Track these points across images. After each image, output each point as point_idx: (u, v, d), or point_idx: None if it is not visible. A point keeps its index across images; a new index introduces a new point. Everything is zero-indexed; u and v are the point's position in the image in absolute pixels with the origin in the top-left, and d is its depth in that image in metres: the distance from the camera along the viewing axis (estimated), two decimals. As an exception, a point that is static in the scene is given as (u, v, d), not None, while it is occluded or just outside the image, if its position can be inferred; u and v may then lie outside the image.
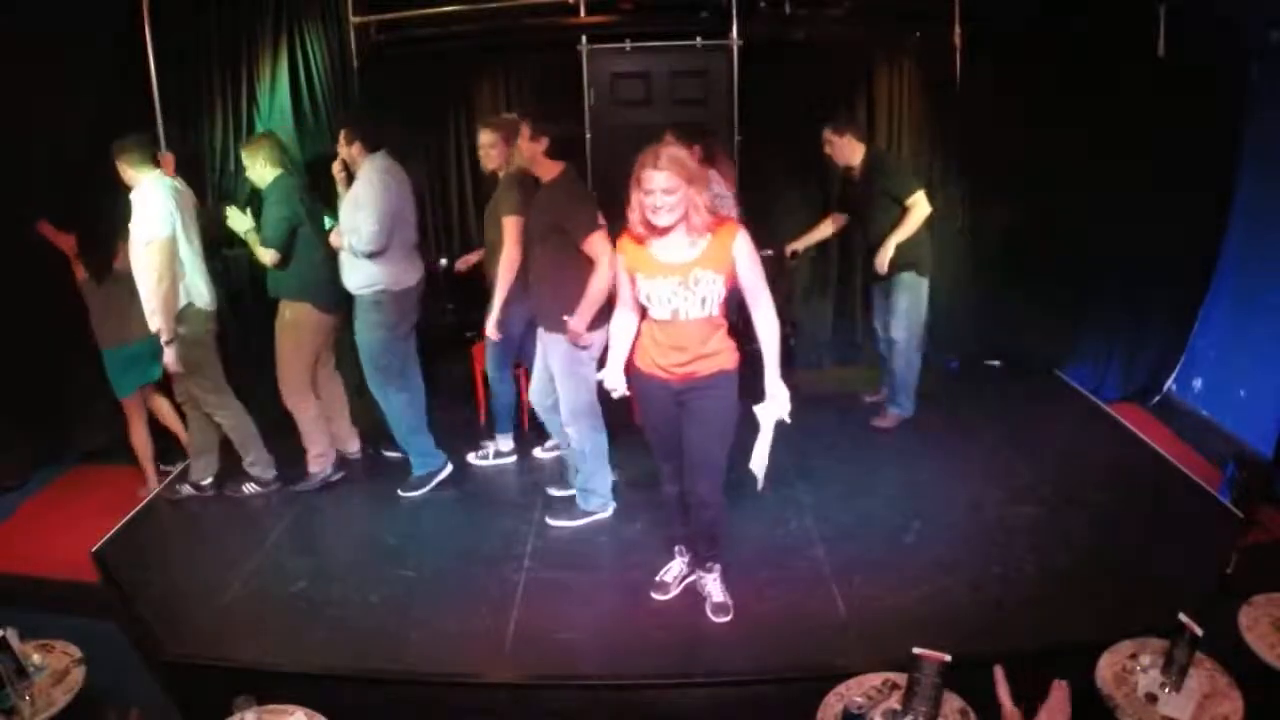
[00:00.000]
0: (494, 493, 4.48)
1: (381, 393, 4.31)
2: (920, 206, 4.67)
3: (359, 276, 4.13)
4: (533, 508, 4.27)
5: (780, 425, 3.07)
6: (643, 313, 3.18)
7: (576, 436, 3.98)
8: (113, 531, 4.17)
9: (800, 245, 5.25)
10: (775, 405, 3.04)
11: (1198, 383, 5.14)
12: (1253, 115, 4.68)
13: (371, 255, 4.06)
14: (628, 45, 5.43)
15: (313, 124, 5.21)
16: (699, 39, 5.42)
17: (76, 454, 4.81)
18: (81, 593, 3.70)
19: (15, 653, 2.59)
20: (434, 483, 4.46)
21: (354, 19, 5.33)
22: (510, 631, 3.36)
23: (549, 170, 3.82)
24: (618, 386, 3.22)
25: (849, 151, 4.83)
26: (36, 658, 2.72)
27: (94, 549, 4.00)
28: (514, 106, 5.67)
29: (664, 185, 2.87)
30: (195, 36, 4.77)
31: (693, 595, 3.54)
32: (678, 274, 2.99)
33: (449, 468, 4.51)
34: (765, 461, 3.11)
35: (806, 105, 5.63)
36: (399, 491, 4.42)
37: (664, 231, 2.97)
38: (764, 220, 5.75)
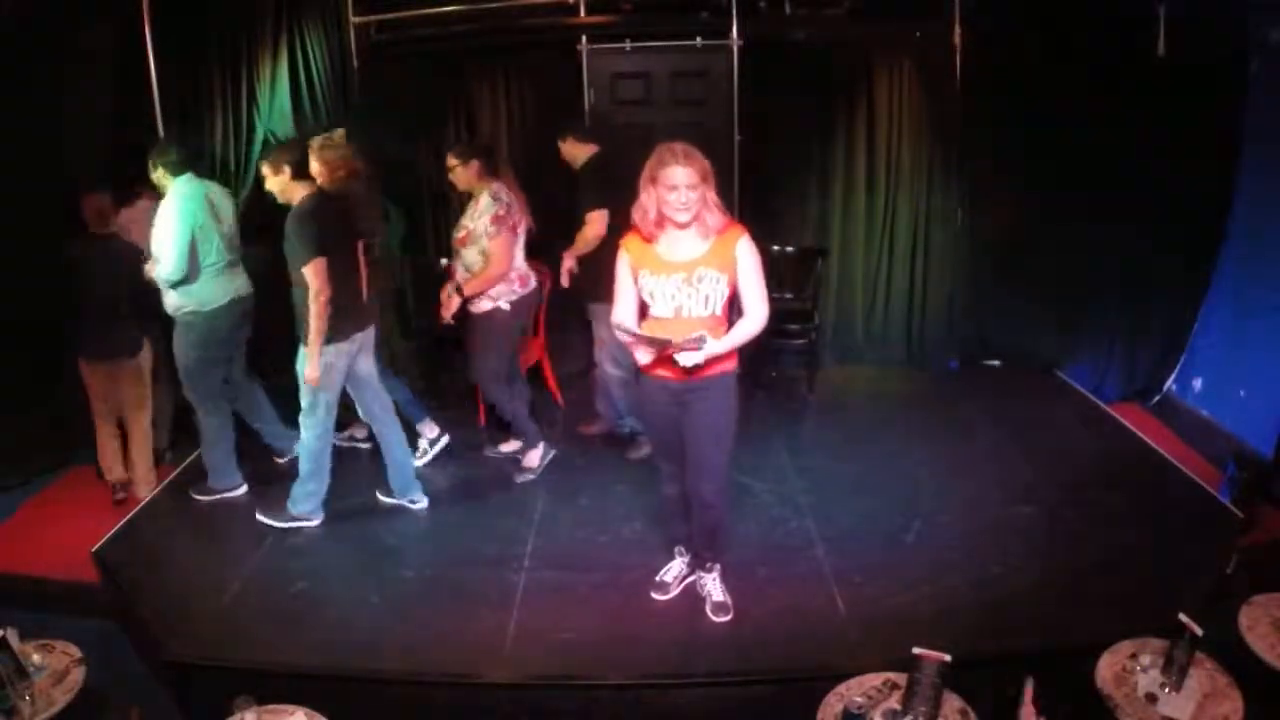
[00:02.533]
0: (494, 493, 4.47)
1: (199, 410, 4.32)
2: (592, 225, 4.42)
3: (170, 299, 4.14)
4: (533, 508, 4.27)
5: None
6: (642, 313, 3.18)
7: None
8: (113, 531, 4.17)
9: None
10: (691, 352, 2.95)
11: (1198, 383, 5.14)
12: (1252, 114, 4.68)
13: (175, 283, 4.04)
14: (628, 45, 5.43)
15: (313, 124, 5.21)
16: (699, 39, 5.42)
17: (76, 454, 4.80)
18: (81, 593, 3.70)
19: (15, 653, 2.59)
20: (222, 495, 4.40)
21: (354, 19, 5.33)
22: (510, 631, 3.36)
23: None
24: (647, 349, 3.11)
25: (573, 153, 4.64)
26: (36, 658, 2.72)
27: (94, 549, 4.00)
28: (514, 107, 5.68)
29: (688, 181, 2.92)
30: (195, 36, 4.77)
31: (693, 595, 3.54)
32: (682, 271, 3.02)
33: (243, 488, 4.45)
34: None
35: (806, 105, 5.65)
36: (191, 493, 4.43)
37: (682, 227, 3.00)
38: (764, 220, 5.77)
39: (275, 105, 5.04)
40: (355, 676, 3.13)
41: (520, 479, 4.54)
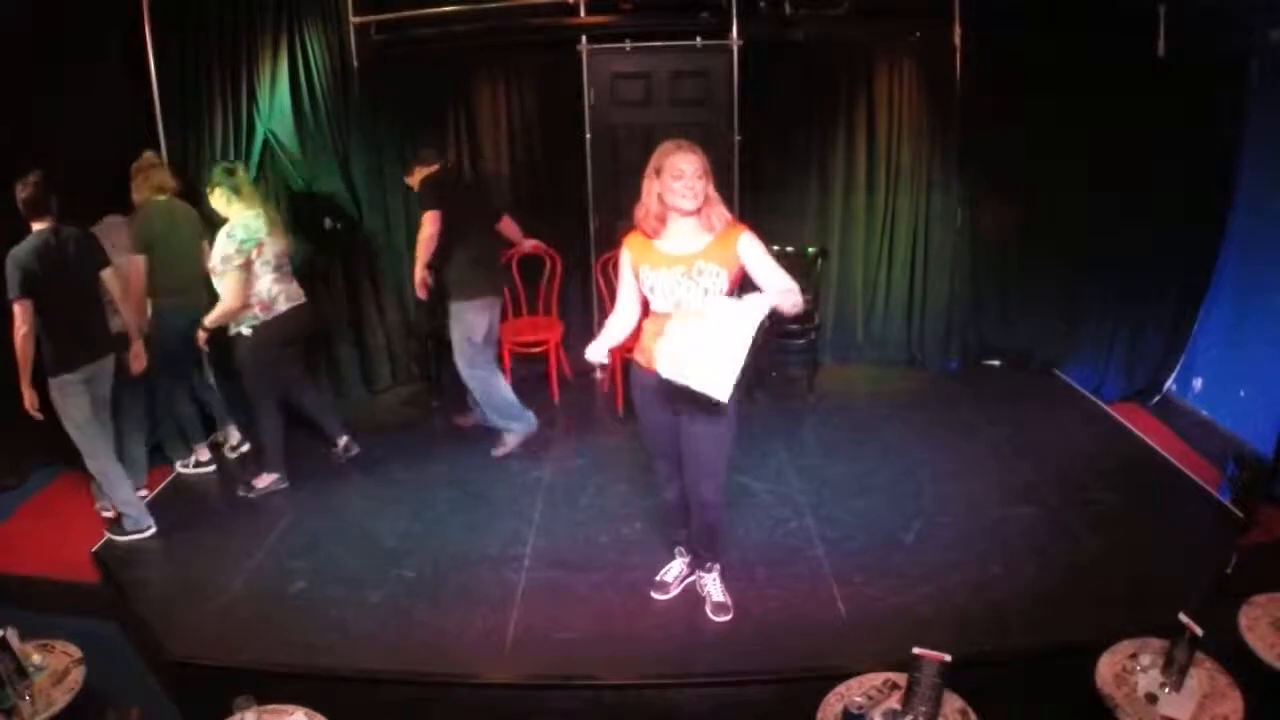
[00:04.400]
0: (494, 493, 4.47)
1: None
2: (424, 226, 4.52)
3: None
4: (533, 508, 4.28)
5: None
6: (644, 311, 3.19)
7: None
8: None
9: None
10: (744, 310, 2.85)
11: (1198, 383, 5.13)
12: (1253, 115, 4.68)
13: None
14: (628, 45, 5.43)
15: (313, 124, 5.21)
16: (699, 39, 5.42)
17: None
18: (81, 593, 3.71)
19: (15, 653, 2.60)
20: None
21: (354, 19, 5.33)
22: (510, 631, 3.36)
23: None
24: (597, 358, 3.20)
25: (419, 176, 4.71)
26: (36, 658, 2.72)
27: (94, 549, 4.00)
28: (514, 107, 5.69)
29: (693, 169, 2.99)
30: (195, 36, 4.77)
31: (693, 595, 3.54)
32: (682, 265, 3.04)
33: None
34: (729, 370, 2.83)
35: (806, 105, 5.65)
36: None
37: (687, 215, 3.04)
38: (764, 220, 5.77)
39: (275, 105, 5.04)
40: (355, 676, 3.13)
41: (243, 493, 4.48)
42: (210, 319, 4.18)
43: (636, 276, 3.13)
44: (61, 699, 2.63)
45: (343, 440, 4.83)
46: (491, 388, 4.73)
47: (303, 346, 4.69)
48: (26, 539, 4.18)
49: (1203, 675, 2.46)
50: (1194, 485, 4.25)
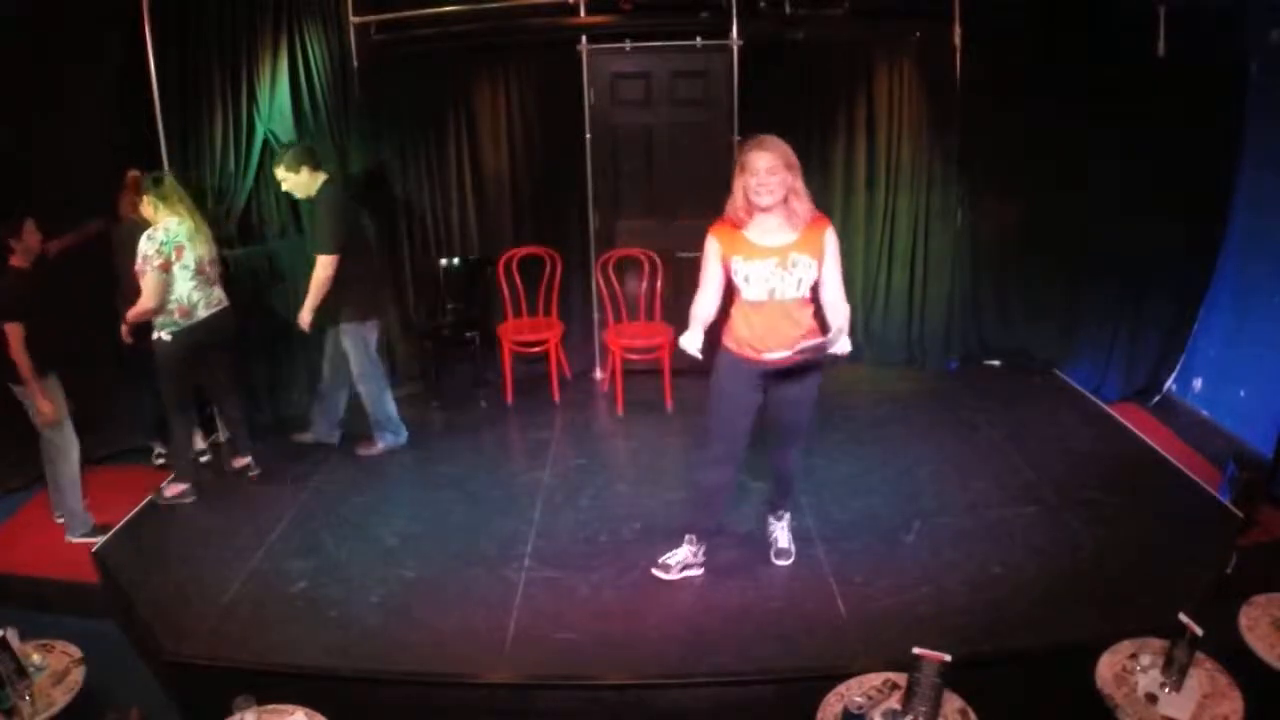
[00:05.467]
0: (494, 493, 4.47)
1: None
2: (323, 269, 4.40)
3: None
4: (533, 508, 4.28)
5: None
6: (730, 297, 3.32)
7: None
8: (113, 531, 4.17)
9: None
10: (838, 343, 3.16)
11: (1198, 383, 5.14)
12: (1253, 115, 4.68)
13: None
14: (628, 45, 5.43)
15: (313, 124, 5.21)
16: (699, 39, 5.42)
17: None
18: (81, 593, 3.71)
19: (15, 653, 2.60)
20: None
21: (354, 19, 5.32)
22: (510, 631, 3.36)
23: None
24: (693, 347, 3.21)
25: (304, 183, 4.49)
26: (36, 658, 2.72)
27: (94, 549, 4.00)
28: (514, 107, 5.69)
29: (768, 165, 3.13)
30: (195, 36, 4.76)
31: (693, 595, 3.54)
32: (775, 256, 3.20)
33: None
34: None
35: (806, 105, 5.65)
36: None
37: (765, 210, 3.19)
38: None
39: (275, 105, 5.03)
40: (355, 676, 3.12)
41: (154, 498, 4.46)
42: (130, 314, 4.25)
43: (726, 267, 3.25)
44: (61, 699, 2.63)
45: (244, 460, 4.73)
46: (383, 399, 4.85)
47: (231, 355, 4.65)
48: (27, 539, 4.18)
49: (1203, 675, 2.46)
50: (1194, 485, 4.25)
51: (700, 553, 3.69)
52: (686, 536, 3.68)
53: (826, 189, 5.80)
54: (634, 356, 5.40)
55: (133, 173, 4.45)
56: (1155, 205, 4.97)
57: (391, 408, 4.90)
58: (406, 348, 5.99)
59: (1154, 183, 4.95)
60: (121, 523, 4.25)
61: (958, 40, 5.39)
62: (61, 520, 4.22)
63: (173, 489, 4.48)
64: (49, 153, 4.53)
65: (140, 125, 4.77)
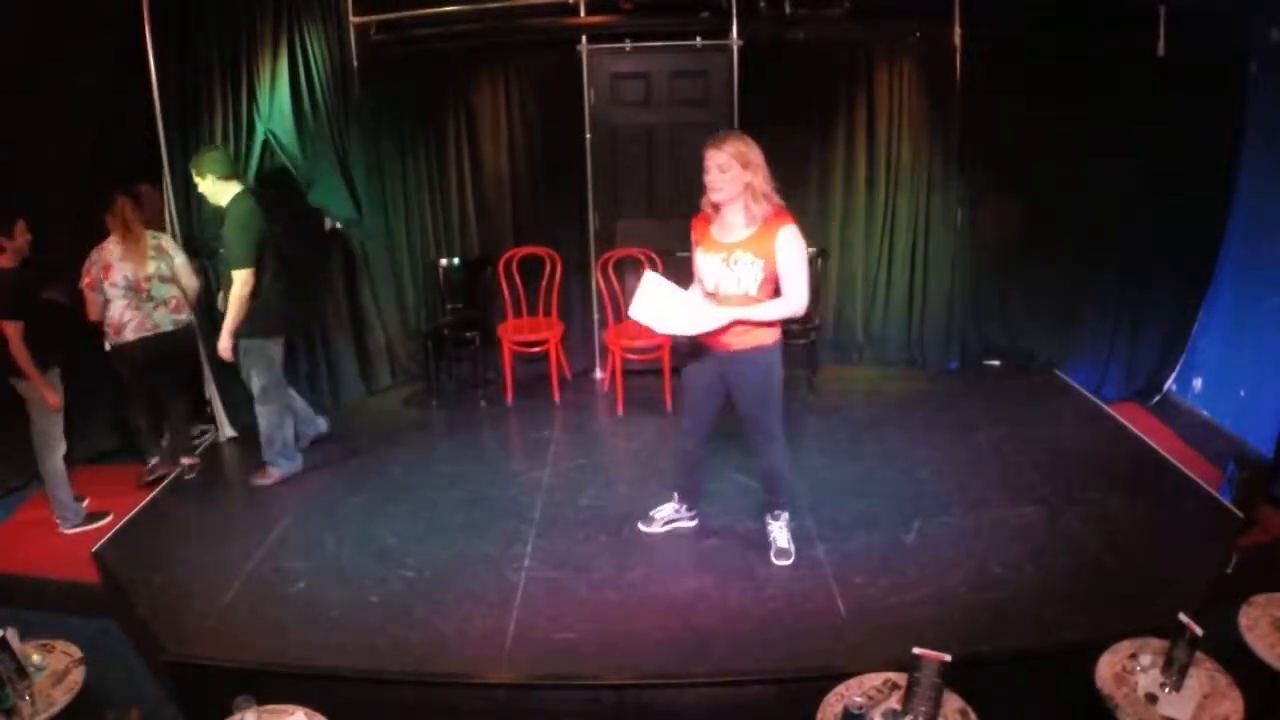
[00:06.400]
0: (494, 493, 4.47)
1: None
2: (240, 286, 4.27)
3: None
4: (533, 507, 4.28)
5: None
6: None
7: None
8: (113, 531, 4.17)
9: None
10: (699, 307, 3.37)
11: (1198, 383, 5.14)
12: (1252, 115, 4.68)
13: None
14: (628, 45, 5.43)
15: (312, 124, 5.21)
16: (699, 39, 5.42)
17: (76, 455, 4.80)
18: (81, 593, 3.70)
19: (15, 653, 2.59)
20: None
21: (354, 19, 5.33)
22: (510, 631, 3.36)
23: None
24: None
25: (213, 191, 4.35)
26: (36, 658, 2.72)
27: (94, 549, 4.00)
28: (514, 107, 5.69)
29: (719, 163, 3.25)
30: (195, 36, 4.76)
31: (693, 595, 3.54)
32: (723, 252, 3.33)
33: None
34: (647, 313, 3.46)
35: (806, 105, 5.65)
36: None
37: (722, 206, 3.33)
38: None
39: (275, 105, 5.03)
40: (355, 676, 3.12)
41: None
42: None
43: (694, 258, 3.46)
44: (61, 699, 2.63)
45: (151, 462, 4.70)
46: (284, 423, 4.59)
47: (172, 373, 4.67)
48: (26, 539, 4.18)
49: (1203, 675, 2.46)
50: (1194, 485, 4.25)
51: (684, 510, 3.97)
52: (675, 494, 3.98)
53: (826, 189, 5.81)
54: (634, 356, 5.40)
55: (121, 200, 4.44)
56: (1155, 205, 4.98)
57: (290, 433, 4.65)
58: (406, 348, 6.00)
59: (1153, 182, 4.95)
60: (121, 523, 4.25)
61: (958, 40, 5.39)
62: (74, 529, 4.25)
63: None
64: (47, 153, 4.53)
65: (140, 125, 4.77)
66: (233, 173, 4.38)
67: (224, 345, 4.37)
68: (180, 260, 4.53)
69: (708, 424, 3.73)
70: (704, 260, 3.38)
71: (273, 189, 4.97)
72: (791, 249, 3.30)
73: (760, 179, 3.27)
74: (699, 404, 3.66)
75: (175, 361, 4.63)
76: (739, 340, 3.40)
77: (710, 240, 3.39)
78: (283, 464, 4.62)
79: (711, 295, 3.39)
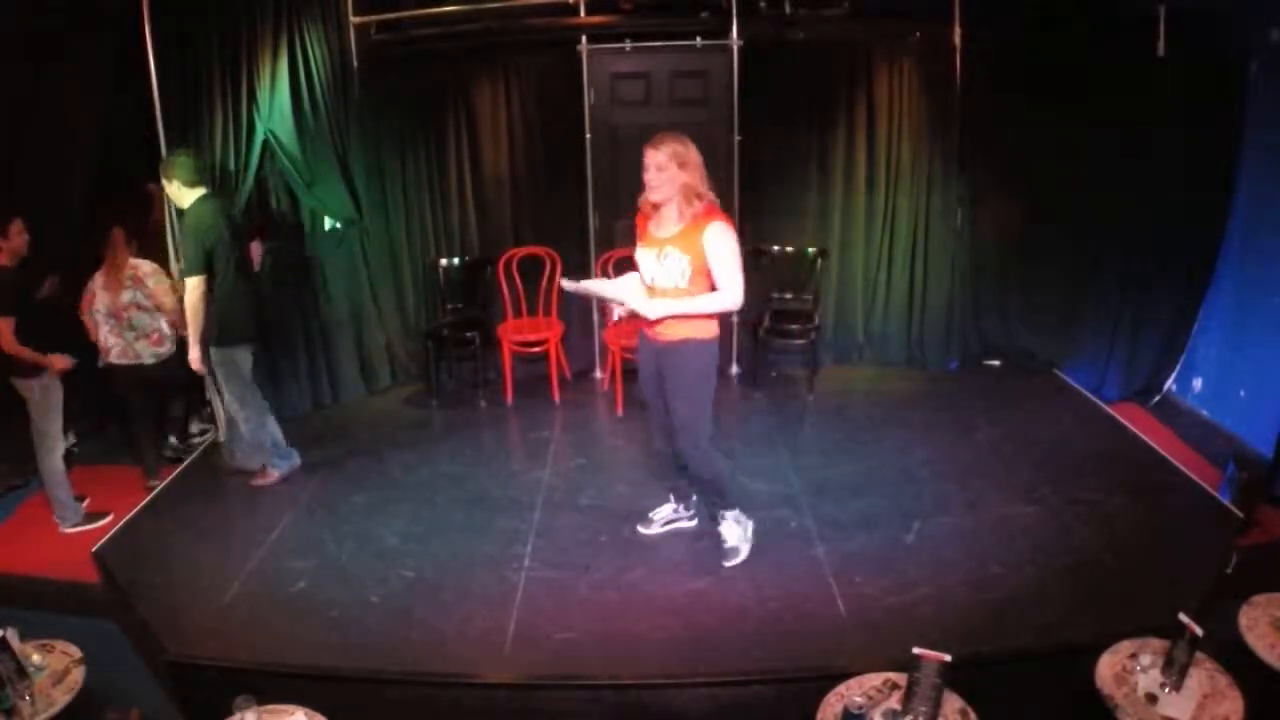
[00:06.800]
0: (494, 493, 4.47)
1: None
2: (190, 293, 4.22)
3: None
4: (533, 507, 4.28)
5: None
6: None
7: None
8: (113, 531, 4.18)
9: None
10: (629, 291, 3.44)
11: (1198, 383, 5.14)
12: (1252, 115, 4.68)
13: None
14: (628, 45, 5.43)
15: (312, 124, 5.21)
16: (699, 39, 5.42)
17: (77, 455, 4.81)
18: (81, 593, 3.70)
19: (15, 653, 2.59)
20: None
21: (354, 19, 5.32)
22: (510, 631, 3.36)
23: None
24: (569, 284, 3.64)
25: (177, 196, 4.30)
26: (36, 658, 2.72)
27: (94, 549, 4.00)
28: (514, 106, 5.69)
29: (656, 163, 3.34)
30: (195, 36, 4.76)
31: (693, 595, 3.54)
32: (655, 247, 3.42)
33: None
34: (582, 288, 3.62)
35: (806, 105, 5.65)
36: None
37: (657, 205, 3.41)
38: (764, 220, 5.77)
39: (275, 105, 5.03)
40: (355, 676, 3.12)
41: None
42: None
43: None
44: (61, 699, 2.63)
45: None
46: (265, 424, 4.54)
47: (148, 400, 4.74)
48: (27, 539, 4.18)
49: (1203, 675, 2.46)
50: (1194, 485, 4.25)
51: (681, 510, 4.01)
52: (670, 494, 4.02)
53: (826, 189, 5.81)
54: (634, 356, 5.36)
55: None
56: (1155, 205, 4.97)
57: (277, 432, 4.61)
58: (406, 348, 6.00)
59: (1153, 183, 4.95)
60: (121, 523, 4.25)
61: (958, 40, 5.39)
62: (74, 529, 4.26)
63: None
64: (47, 153, 4.53)
65: (140, 125, 4.77)
66: (198, 179, 4.30)
67: (193, 356, 4.38)
68: (154, 284, 4.53)
69: (660, 420, 3.74)
70: (640, 255, 3.49)
71: (272, 189, 4.99)
72: (720, 244, 3.34)
73: (696, 178, 3.35)
74: (651, 397, 3.72)
75: (158, 387, 4.75)
76: (672, 331, 3.46)
77: (647, 235, 3.49)
78: (280, 464, 4.61)
79: (649, 289, 3.47)
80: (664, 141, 3.35)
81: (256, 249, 4.82)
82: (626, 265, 5.52)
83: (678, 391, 3.53)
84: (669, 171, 3.33)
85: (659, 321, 3.45)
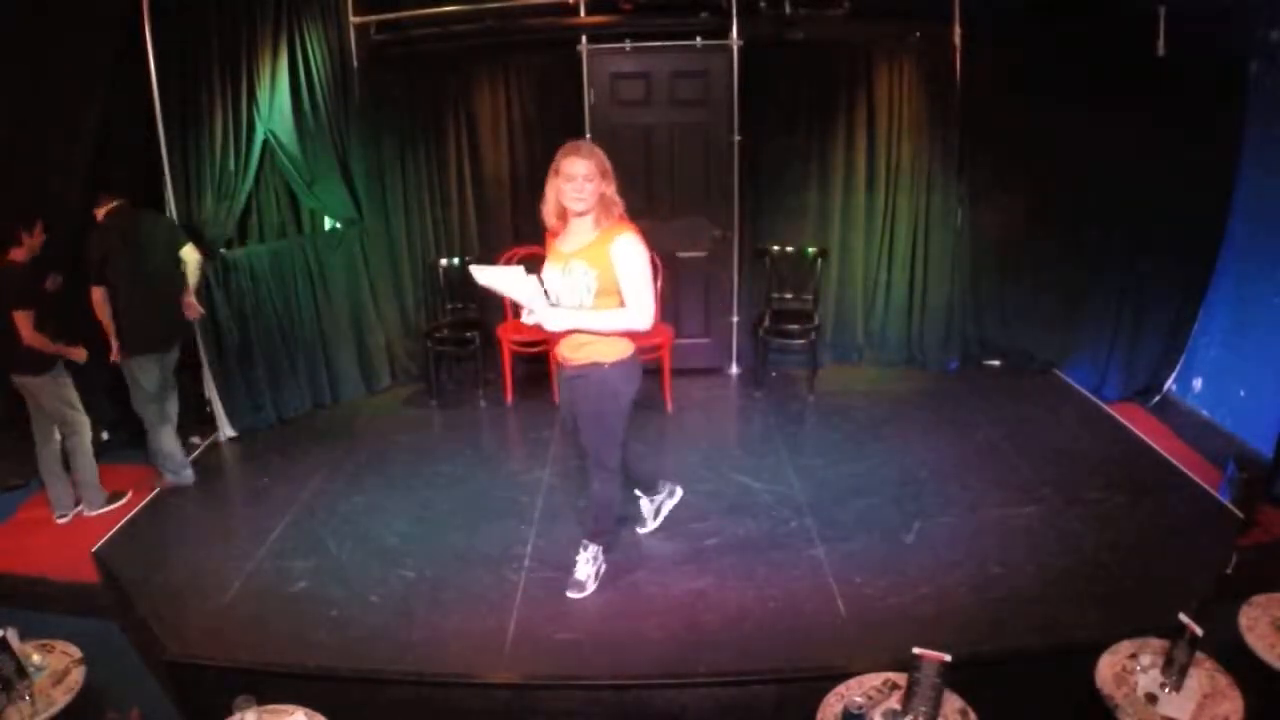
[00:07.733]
0: (494, 493, 4.47)
1: None
2: (95, 303, 4.28)
3: None
4: (533, 507, 4.28)
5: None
6: None
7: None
8: (113, 531, 4.18)
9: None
10: (531, 295, 3.13)
11: (1198, 383, 5.14)
12: (1252, 114, 4.68)
13: None
14: (628, 45, 5.43)
15: (312, 124, 5.21)
16: (699, 39, 5.42)
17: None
18: (81, 593, 3.70)
19: (15, 653, 2.59)
20: None
21: (354, 19, 5.33)
22: (510, 631, 3.36)
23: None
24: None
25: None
26: (36, 658, 2.72)
27: (94, 549, 4.00)
28: (514, 107, 5.69)
29: (585, 172, 3.11)
30: (195, 36, 4.76)
31: (693, 595, 3.54)
32: (561, 262, 3.21)
33: None
34: (488, 278, 3.21)
35: (806, 106, 5.65)
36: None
37: (580, 216, 3.19)
38: (764, 220, 5.78)
39: (275, 105, 5.04)
40: (355, 676, 3.12)
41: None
42: None
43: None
44: (61, 699, 2.63)
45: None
46: (157, 434, 4.51)
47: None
48: (27, 539, 4.18)
49: (1203, 675, 2.46)
50: (1194, 485, 4.25)
51: (660, 496, 3.99)
52: (637, 495, 3.95)
53: (826, 189, 5.81)
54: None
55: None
56: (1155, 205, 4.97)
57: (170, 444, 4.56)
58: (406, 347, 6.00)
59: (1154, 182, 4.95)
60: (121, 523, 4.25)
61: (958, 40, 5.40)
62: (63, 519, 4.26)
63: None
64: (47, 152, 4.53)
65: (140, 124, 4.77)
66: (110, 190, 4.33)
67: (115, 357, 4.35)
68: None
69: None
70: (547, 271, 3.23)
71: (272, 189, 4.96)
72: (629, 257, 3.13)
73: (612, 189, 3.19)
74: (567, 420, 3.55)
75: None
76: (575, 354, 3.26)
77: (554, 250, 3.28)
78: (169, 476, 4.57)
79: (555, 308, 3.21)
80: (591, 151, 3.16)
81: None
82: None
83: (586, 420, 3.38)
84: (595, 182, 3.13)
85: (564, 335, 3.25)
